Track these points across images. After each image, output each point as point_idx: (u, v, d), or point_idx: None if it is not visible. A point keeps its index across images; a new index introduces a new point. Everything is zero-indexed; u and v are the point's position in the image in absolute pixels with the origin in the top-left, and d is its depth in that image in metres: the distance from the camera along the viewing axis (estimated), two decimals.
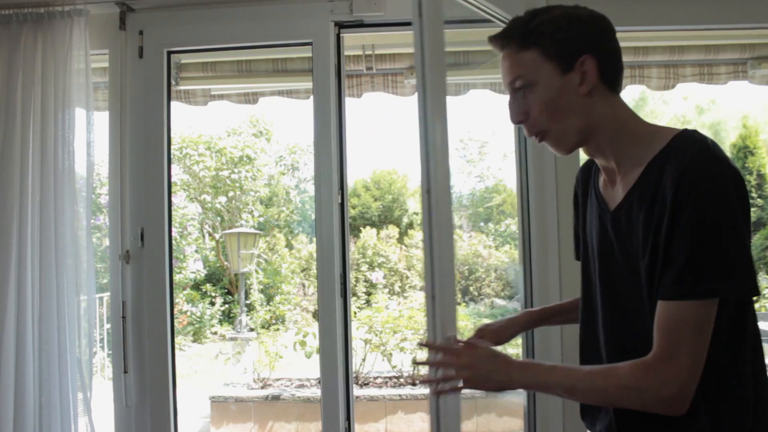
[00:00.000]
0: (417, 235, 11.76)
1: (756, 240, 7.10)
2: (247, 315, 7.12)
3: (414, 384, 4.75)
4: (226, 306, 9.87)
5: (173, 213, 4.13)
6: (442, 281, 1.26)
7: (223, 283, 10.31)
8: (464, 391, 1.24)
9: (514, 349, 5.04)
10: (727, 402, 1.00)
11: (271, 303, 7.57)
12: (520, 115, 1.11)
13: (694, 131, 1.06)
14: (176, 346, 2.60)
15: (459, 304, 9.35)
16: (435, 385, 1.17)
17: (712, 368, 0.97)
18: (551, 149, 1.14)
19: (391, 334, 5.01)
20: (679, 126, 9.26)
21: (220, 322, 9.53)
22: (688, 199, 0.94)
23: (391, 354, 4.99)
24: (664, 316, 0.97)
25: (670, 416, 0.99)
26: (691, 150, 0.99)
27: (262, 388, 4.86)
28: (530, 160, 2.22)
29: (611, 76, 1.09)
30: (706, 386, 0.98)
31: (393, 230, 11.84)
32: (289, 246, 11.84)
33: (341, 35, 2.27)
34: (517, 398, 4.46)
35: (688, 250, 0.94)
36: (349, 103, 2.45)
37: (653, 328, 0.99)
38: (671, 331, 0.96)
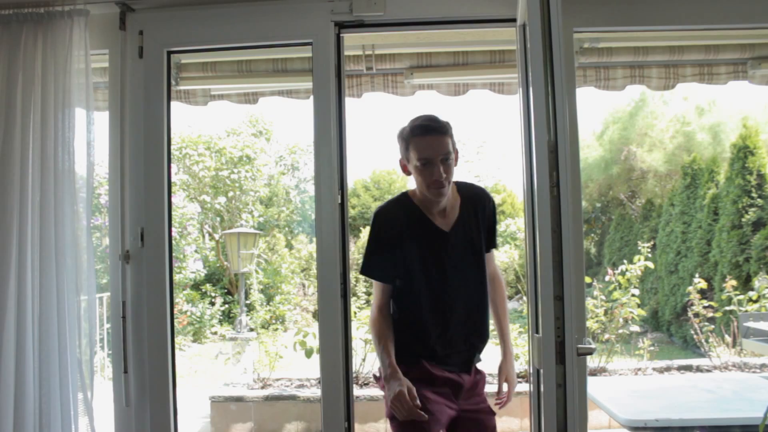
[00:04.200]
0: None
1: (756, 240, 7.10)
2: (247, 315, 7.12)
3: None
4: (226, 306, 9.87)
5: (173, 213, 4.13)
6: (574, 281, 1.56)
7: (223, 283, 10.32)
8: None
9: (519, 348, 5.04)
10: None
11: (271, 303, 7.56)
12: (444, 173, 1.90)
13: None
14: (176, 346, 2.60)
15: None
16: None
17: None
18: (437, 195, 1.95)
19: None
20: (679, 126, 9.23)
21: (220, 322, 9.54)
22: (495, 208, 2.15)
23: None
24: (493, 256, 2.18)
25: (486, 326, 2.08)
26: (474, 186, 2.15)
27: (262, 388, 4.86)
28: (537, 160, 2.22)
29: None
30: None
31: None
32: (289, 246, 11.85)
33: (341, 35, 2.27)
34: (517, 398, 4.46)
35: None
36: (349, 103, 2.45)
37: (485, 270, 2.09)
38: (494, 261, 2.19)
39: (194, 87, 3.05)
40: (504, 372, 2.16)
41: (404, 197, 2.05)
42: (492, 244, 2.14)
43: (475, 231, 2.04)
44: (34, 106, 2.19)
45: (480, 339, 2.08)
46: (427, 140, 1.88)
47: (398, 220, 2.00)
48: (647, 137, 10.88)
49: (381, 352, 1.94)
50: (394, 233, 1.99)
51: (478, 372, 2.09)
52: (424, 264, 2.00)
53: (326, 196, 2.20)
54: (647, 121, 11.02)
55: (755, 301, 5.77)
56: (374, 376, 2.07)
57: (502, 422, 4.47)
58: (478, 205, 2.06)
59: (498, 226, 2.05)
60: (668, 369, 5.15)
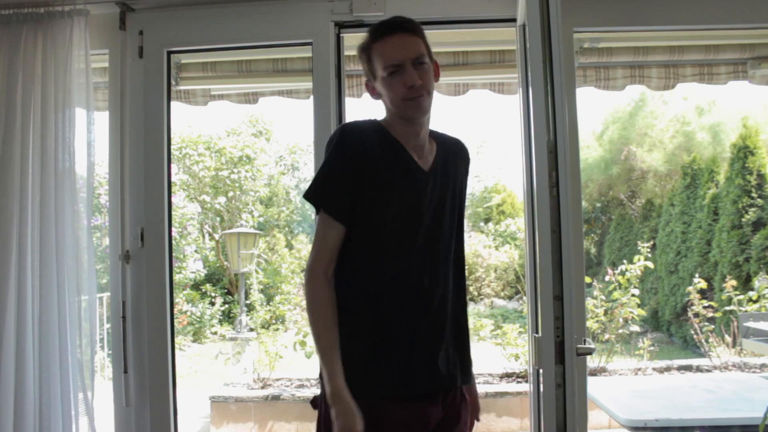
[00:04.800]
0: None
1: (756, 240, 7.10)
2: (247, 315, 7.11)
3: None
4: (226, 306, 9.87)
5: (173, 213, 4.13)
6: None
7: (223, 283, 10.31)
8: None
9: (514, 349, 5.04)
10: None
11: (271, 303, 7.56)
12: (419, 79, 1.45)
13: None
14: (176, 346, 2.60)
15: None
16: None
17: None
18: (415, 110, 1.47)
19: None
20: (679, 126, 9.22)
21: (220, 322, 9.53)
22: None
23: None
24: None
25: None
26: (449, 135, 1.63)
27: (262, 388, 4.86)
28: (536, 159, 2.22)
29: None
30: None
31: None
32: (289, 246, 11.85)
33: (341, 35, 2.27)
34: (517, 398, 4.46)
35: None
36: (349, 103, 2.45)
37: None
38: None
39: (194, 87, 3.05)
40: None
41: (375, 122, 1.54)
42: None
43: (455, 182, 1.57)
44: (34, 106, 2.19)
45: (464, 343, 1.57)
46: (393, 41, 1.46)
47: (373, 145, 1.47)
48: (647, 137, 10.88)
49: (327, 350, 1.37)
50: (366, 158, 1.44)
51: (463, 397, 1.54)
52: (407, 213, 1.46)
53: None
54: (647, 121, 11.02)
55: (755, 301, 5.77)
56: (312, 402, 1.49)
57: (502, 422, 4.47)
58: (460, 155, 1.61)
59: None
60: (668, 369, 5.15)
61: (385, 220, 1.44)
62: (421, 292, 1.45)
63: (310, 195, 1.48)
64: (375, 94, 1.55)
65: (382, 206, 1.44)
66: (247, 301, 7.80)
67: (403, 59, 1.44)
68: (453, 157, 1.58)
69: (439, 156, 1.54)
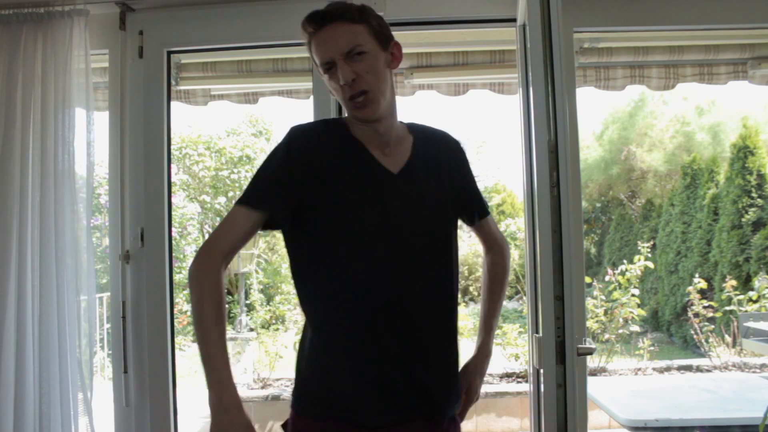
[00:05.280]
0: None
1: (756, 240, 7.10)
2: (247, 315, 7.11)
3: None
4: (226, 306, 9.85)
5: (173, 213, 4.13)
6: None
7: None
8: None
9: (515, 348, 5.04)
10: None
11: (271, 303, 7.56)
12: (352, 74, 1.26)
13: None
14: (176, 346, 2.60)
15: (459, 304, 9.33)
16: None
17: None
18: (361, 111, 1.29)
19: None
20: (679, 126, 9.22)
21: None
22: (467, 160, 1.48)
23: None
24: (490, 221, 1.55)
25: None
26: (434, 128, 1.46)
27: (262, 388, 4.86)
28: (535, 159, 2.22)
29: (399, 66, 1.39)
30: None
31: None
32: None
33: None
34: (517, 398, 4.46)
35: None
36: None
37: (479, 234, 1.55)
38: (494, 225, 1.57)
39: (194, 87, 3.05)
40: (469, 374, 1.47)
41: (333, 121, 1.40)
42: (480, 207, 1.50)
43: (442, 177, 1.37)
44: (34, 106, 2.19)
45: (450, 375, 1.34)
46: (323, 35, 1.27)
47: (326, 144, 1.30)
48: (647, 137, 10.88)
49: (214, 350, 1.20)
50: (311, 160, 1.27)
51: (451, 422, 1.35)
52: (368, 216, 1.27)
53: None
54: (647, 121, 11.02)
55: (755, 301, 5.77)
56: (283, 426, 1.43)
57: (502, 422, 4.47)
58: (445, 147, 1.43)
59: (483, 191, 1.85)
60: (668, 369, 5.16)
61: (341, 225, 1.26)
62: (387, 306, 1.24)
63: (247, 200, 1.26)
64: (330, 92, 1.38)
65: (334, 210, 1.26)
66: (247, 301, 7.80)
67: (332, 55, 1.26)
68: (435, 150, 1.39)
69: (417, 151, 1.36)
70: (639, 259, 5.47)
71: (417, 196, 1.31)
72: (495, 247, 1.57)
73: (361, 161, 1.31)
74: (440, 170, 1.38)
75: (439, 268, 1.32)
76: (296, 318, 8.69)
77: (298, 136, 1.31)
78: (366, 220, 1.26)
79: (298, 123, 1.36)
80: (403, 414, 1.24)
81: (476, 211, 1.51)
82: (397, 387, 1.24)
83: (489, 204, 1.96)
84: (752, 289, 5.92)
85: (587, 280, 3.79)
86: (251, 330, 6.39)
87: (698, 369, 5.12)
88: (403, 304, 1.25)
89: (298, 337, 1.34)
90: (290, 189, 1.25)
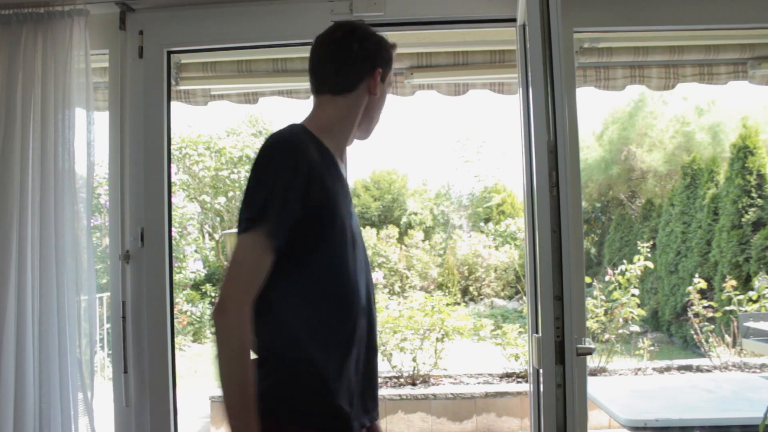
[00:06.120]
0: (417, 235, 11.75)
1: (756, 240, 7.10)
2: None
3: (414, 384, 4.75)
4: None
5: (173, 213, 4.13)
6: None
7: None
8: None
9: (516, 349, 5.03)
10: None
11: None
12: None
13: None
14: (176, 346, 2.60)
15: (458, 303, 9.35)
16: None
17: None
18: (368, 137, 1.49)
19: (391, 334, 5.01)
20: (679, 126, 9.22)
21: None
22: None
23: (391, 354, 4.99)
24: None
25: None
26: None
27: None
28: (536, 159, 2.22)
29: None
30: None
31: (393, 230, 11.84)
32: None
33: None
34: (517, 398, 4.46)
35: None
36: None
37: None
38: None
39: (194, 87, 3.05)
40: None
41: (304, 128, 1.32)
42: None
43: None
44: (34, 106, 2.19)
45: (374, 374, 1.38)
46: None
47: (318, 158, 1.26)
48: (647, 137, 10.88)
49: (253, 403, 1.13)
50: (318, 176, 1.23)
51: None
52: (345, 228, 1.29)
53: None
54: (647, 121, 11.02)
55: (755, 301, 5.77)
56: None
57: (502, 422, 4.47)
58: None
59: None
60: (668, 369, 5.16)
61: (340, 238, 1.27)
62: (368, 315, 1.33)
63: (256, 217, 1.17)
64: (375, 92, 1.37)
65: (335, 224, 1.26)
66: None
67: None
68: None
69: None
70: (639, 259, 5.47)
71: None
72: None
73: (338, 174, 1.34)
74: None
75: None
76: None
77: (296, 149, 1.23)
78: (350, 231, 1.31)
79: (286, 131, 1.28)
80: (360, 419, 1.32)
81: None
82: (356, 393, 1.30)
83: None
84: (752, 289, 5.92)
85: (587, 280, 3.79)
86: None
87: (698, 369, 5.12)
88: (372, 313, 1.36)
89: None
90: (304, 211, 1.20)
